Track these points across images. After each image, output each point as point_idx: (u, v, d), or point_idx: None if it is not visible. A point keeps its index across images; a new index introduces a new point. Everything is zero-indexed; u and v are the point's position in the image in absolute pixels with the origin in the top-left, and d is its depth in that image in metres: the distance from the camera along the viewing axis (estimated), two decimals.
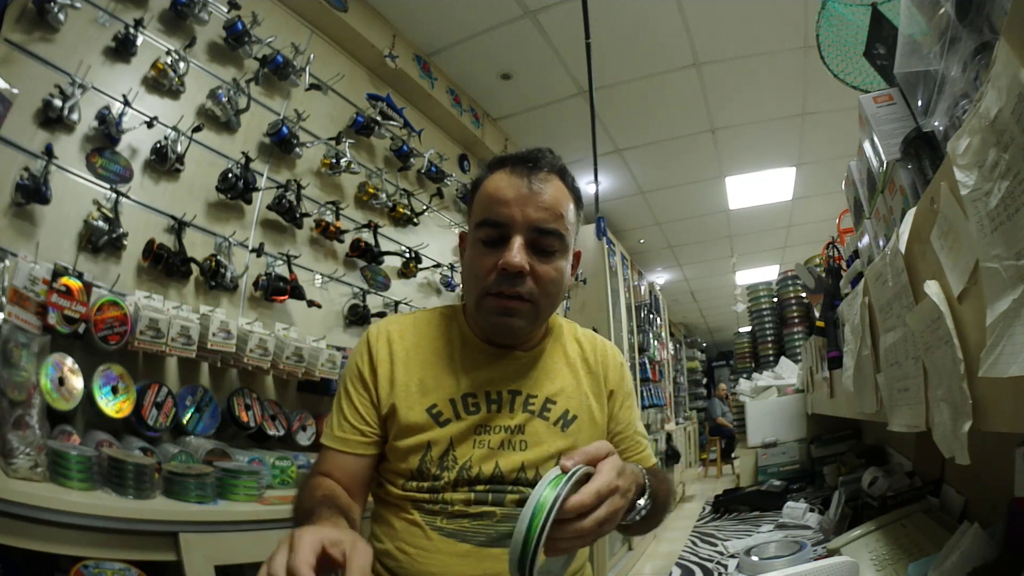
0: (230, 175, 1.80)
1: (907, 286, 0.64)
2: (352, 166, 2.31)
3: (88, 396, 1.35)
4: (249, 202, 1.90)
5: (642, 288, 5.92)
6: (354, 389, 0.90)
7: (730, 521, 2.15)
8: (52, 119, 1.41)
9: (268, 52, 1.99)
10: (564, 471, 0.63)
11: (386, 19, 2.63)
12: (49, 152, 1.38)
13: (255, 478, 1.50)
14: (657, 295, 6.75)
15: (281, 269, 1.97)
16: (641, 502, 0.75)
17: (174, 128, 1.67)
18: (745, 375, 5.71)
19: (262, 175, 1.99)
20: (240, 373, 1.80)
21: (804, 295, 6.11)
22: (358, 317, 2.28)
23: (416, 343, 0.93)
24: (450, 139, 3.23)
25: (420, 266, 2.68)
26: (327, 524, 0.65)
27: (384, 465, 0.91)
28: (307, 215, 2.08)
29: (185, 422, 1.57)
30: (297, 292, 1.96)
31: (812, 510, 1.70)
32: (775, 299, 7.05)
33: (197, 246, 1.73)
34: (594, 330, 1.08)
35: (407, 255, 2.62)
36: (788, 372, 3.10)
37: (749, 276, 7.44)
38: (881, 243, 0.93)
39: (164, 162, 1.64)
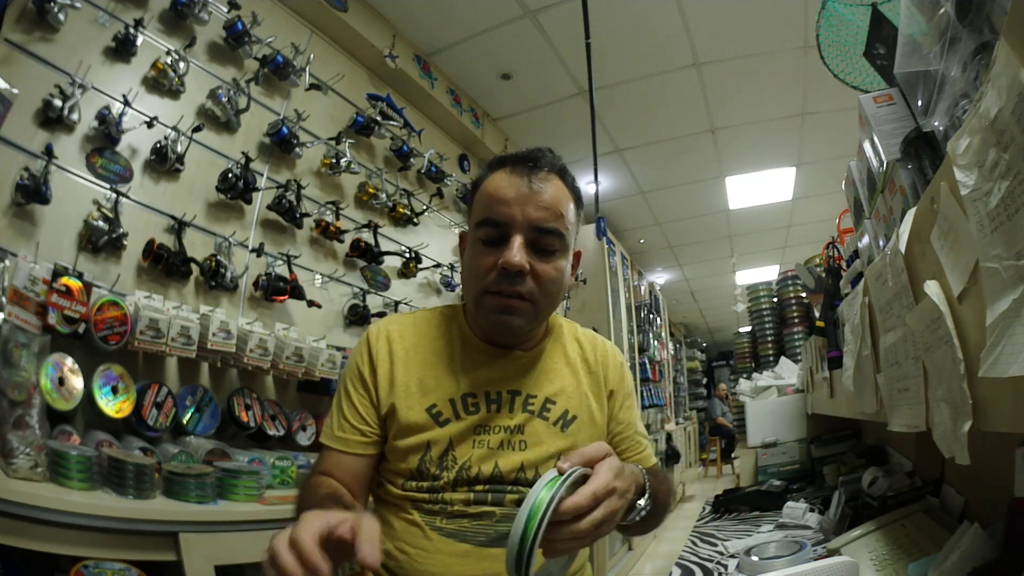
0: (230, 175, 1.80)
1: (907, 286, 0.64)
2: (352, 166, 2.31)
3: (88, 396, 1.35)
4: (249, 202, 1.90)
5: (642, 288, 5.92)
6: (354, 389, 0.90)
7: (730, 521, 2.15)
8: (52, 119, 1.41)
9: (268, 52, 1.99)
10: (561, 473, 0.63)
11: (386, 19, 2.63)
12: (49, 152, 1.38)
13: (255, 478, 1.50)
14: (657, 295, 6.75)
15: (281, 269, 1.97)
16: (641, 503, 0.75)
17: (174, 128, 1.67)
18: (745, 375, 5.71)
19: (262, 175, 1.99)
20: (240, 373, 1.80)
21: (804, 295, 6.11)
22: (358, 317, 2.28)
23: (416, 343, 0.93)
24: (450, 139, 3.23)
25: (420, 266, 2.68)
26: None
27: (384, 465, 0.91)
28: (307, 215, 2.08)
29: (185, 422, 1.57)
30: (297, 292, 1.96)
31: (812, 510, 1.70)
32: (775, 299, 7.05)
33: (197, 246, 1.73)
34: (594, 330, 1.08)
35: (407, 255, 2.62)
36: (788, 372, 3.10)
37: (749, 276, 7.44)
38: (881, 243, 0.93)
39: (164, 162, 1.64)
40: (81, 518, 1.11)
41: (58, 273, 1.31)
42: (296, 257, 2.01)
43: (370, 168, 2.52)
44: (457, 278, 2.94)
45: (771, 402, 2.78)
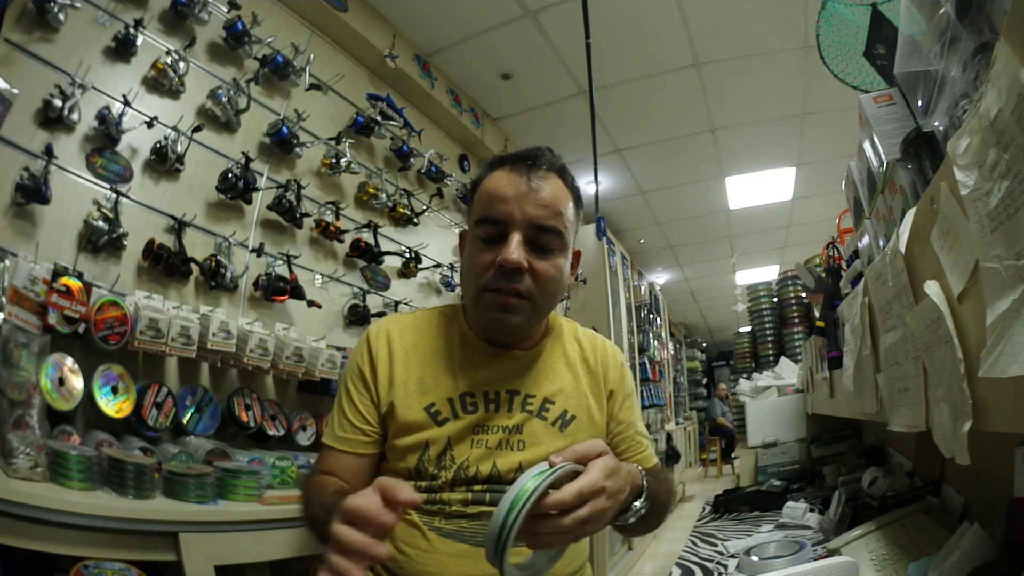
0: (230, 175, 1.80)
1: (907, 286, 0.64)
2: (352, 166, 2.31)
3: (88, 396, 1.35)
4: (249, 202, 1.90)
5: (642, 288, 5.92)
6: (355, 388, 0.90)
7: (730, 521, 2.15)
8: (52, 119, 1.41)
9: (268, 52, 1.99)
10: (552, 466, 0.63)
11: (386, 19, 2.63)
12: (49, 152, 1.38)
13: (255, 478, 1.50)
14: (657, 295, 6.75)
15: (281, 269, 1.97)
16: (637, 504, 0.75)
17: (174, 128, 1.67)
18: (745, 375, 5.71)
19: (262, 175, 1.99)
20: (240, 373, 1.80)
21: (804, 295, 6.11)
22: (358, 317, 2.28)
23: (416, 342, 0.93)
24: (450, 139, 3.23)
25: (420, 266, 2.68)
26: None
27: (383, 464, 0.91)
28: (307, 215, 2.08)
29: (185, 422, 1.57)
30: (297, 292, 1.96)
31: (812, 510, 1.70)
32: (775, 299, 7.05)
33: (197, 246, 1.73)
34: (594, 330, 1.08)
35: (407, 255, 2.62)
36: (788, 372, 3.10)
37: (749, 276, 7.43)
38: (881, 243, 0.93)
39: (164, 162, 1.64)
40: (81, 518, 1.11)
41: (58, 273, 1.31)
42: (296, 257, 2.01)
43: (370, 168, 2.52)
44: (457, 278, 2.94)
45: (771, 402, 2.78)
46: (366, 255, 2.33)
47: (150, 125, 1.61)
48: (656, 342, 6.08)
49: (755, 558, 1.21)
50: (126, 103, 1.54)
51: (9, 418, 1.12)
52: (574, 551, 0.90)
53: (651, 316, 6.03)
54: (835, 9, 1.15)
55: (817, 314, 1.70)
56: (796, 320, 6.44)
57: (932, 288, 0.54)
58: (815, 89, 3.32)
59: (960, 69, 0.63)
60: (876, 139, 0.87)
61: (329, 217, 2.20)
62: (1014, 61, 0.38)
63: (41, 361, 1.23)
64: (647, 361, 5.46)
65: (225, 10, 1.89)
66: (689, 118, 3.70)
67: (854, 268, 1.28)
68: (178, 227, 1.67)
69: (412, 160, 2.73)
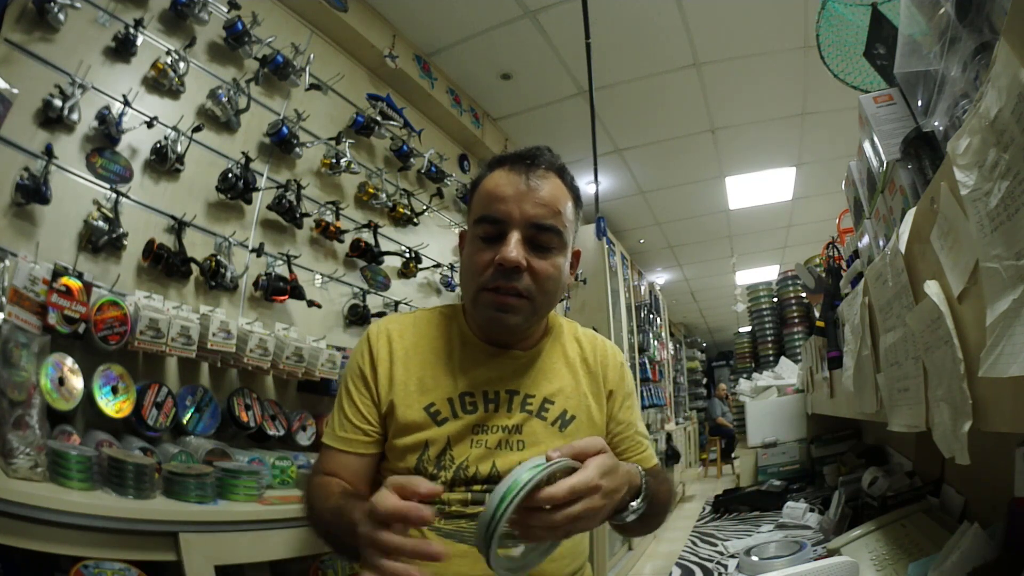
0: (230, 175, 1.80)
1: (907, 286, 0.64)
2: (352, 166, 2.31)
3: (88, 396, 1.35)
4: (249, 202, 1.90)
5: (642, 288, 5.92)
6: (355, 388, 0.90)
7: (730, 521, 2.15)
8: (52, 119, 1.41)
9: (268, 52, 1.99)
10: (548, 460, 0.63)
11: (386, 19, 2.63)
12: (49, 152, 1.37)
13: (255, 478, 1.50)
14: (657, 295, 6.75)
15: (281, 269, 1.97)
16: (634, 504, 0.75)
17: (174, 128, 1.67)
18: (745, 375, 5.71)
19: (262, 175, 1.99)
20: (240, 373, 1.80)
21: (804, 295, 6.11)
22: (358, 317, 2.28)
23: (416, 342, 0.93)
24: (450, 139, 3.23)
25: (420, 266, 2.68)
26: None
27: (383, 464, 0.91)
28: (307, 215, 2.07)
29: (185, 422, 1.57)
30: (297, 292, 1.96)
31: (812, 510, 1.70)
32: (775, 299, 7.06)
33: (197, 246, 1.73)
34: (594, 330, 1.08)
35: (407, 255, 2.62)
36: (788, 372, 3.10)
37: (749, 276, 7.43)
38: (881, 243, 0.93)
39: (164, 162, 1.64)
40: (81, 518, 1.11)
41: (58, 273, 1.31)
42: (296, 257, 2.01)
43: (370, 168, 2.52)
44: (457, 278, 2.94)
45: (771, 402, 2.78)
46: (366, 255, 2.33)
47: (150, 125, 1.61)
48: (656, 342, 6.08)
49: (755, 558, 1.21)
50: (126, 103, 1.54)
51: (9, 418, 1.12)
52: (574, 551, 0.90)
53: (651, 316, 6.03)
54: (835, 9, 1.15)
55: (817, 314, 1.70)
56: (796, 320, 6.45)
57: (932, 288, 0.54)
58: (815, 89, 3.32)
59: (960, 69, 0.63)
60: (876, 139, 0.87)
61: (329, 217, 2.20)
62: (1014, 61, 0.38)
63: (41, 361, 1.23)
64: (647, 361, 5.46)
65: (225, 10, 1.89)
66: (689, 118, 3.70)
67: (854, 268, 1.28)
68: (178, 227, 1.67)
69: (412, 160, 2.73)
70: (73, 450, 1.19)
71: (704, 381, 11.07)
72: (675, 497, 5.33)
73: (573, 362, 0.96)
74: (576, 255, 0.95)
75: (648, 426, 4.89)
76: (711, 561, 1.58)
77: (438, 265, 2.88)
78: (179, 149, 1.67)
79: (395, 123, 2.61)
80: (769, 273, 7.27)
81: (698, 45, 2.99)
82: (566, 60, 3.03)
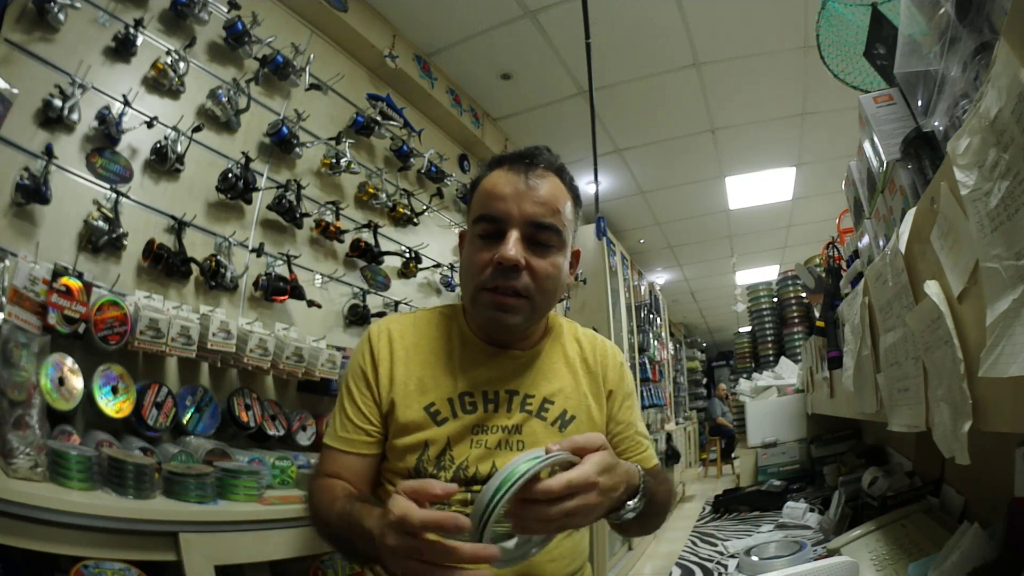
0: (230, 175, 1.80)
1: (907, 286, 0.64)
2: (352, 166, 2.31)
3: (88, 396, 1.35)
4: (249, 202, 1.90)
5: (642, 288, 5.92)
6: (356, 388, 0.90)
7: (730, 521, 2.15)
8: (52, 119, 1.41)
9: (268, 52, 1.99)
10: (547, 453, 0.63)
11: (386, 19, 2.63)
12: (49, 152, 1.37)
13: (255, 478, 1.50)
14: (657, 295, 6.75)
15: (281, 269, 1.97)
16: (631, 503, 0.75)
17: (174, 128, 1.67)
18: (745, 375, 5.71)
19: (262, 175, 1.99)
20: (240, 373, 1.80)
21: (804, 295, 6.11)
22: (358, 317, 2.28)
23: (416, 342, 0.93)
24: (450, 139, 3.23)
25: (420, 266, 2.68)
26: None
27: (383, 464, 0.91)
28: (307, 215, 2.07)
29: (185, 422, 1.57)
30: (297, 292, 1.96)
31: (812, 510, 1.70)
32: (775, 299, 7.05)
33: (197, 246, 1.73)
34: (594, 330, 1.08)
35: (407, 255, 2.62)
36: (788, 372, 3.10)
37: (749, 276, 7.43)
38: (881, 243, 0.93)
39: (164, 162, 1.64)
40: (81, 518, 1.11)
41: (58, 273, 1.31)
42: (296, 257, 2.01)
43: (370, 168, 2.52)
44: (457, 278, 2.93)
45: (771, 402, 2.78)
46: (366, 255, 2.33)
47: (150, 125, 1.61)
48: (656, 342, 6.08)
49: (755, 558, 1.21)
50: (126, 103, 1.54)
51: (9, 418, 1.12)
52: (574, 551, 0.90)
53: (651, 316, 6.03)
54: (835, 9, 1.15)
55: (817, 314, 1.70)
56: (796, 320, 6.44)
57: (932, 288, 0.54)
58: (815, 89, 3.32)
59: (960, 69, 0.63)
60: (876, 139, 0.87)
61: (329, 217, 2.20)
62: (1014, 61, 0.38)
63: (41, 361, 1.23)
64: (647, 361, 5.46)
65: (225, 10, 1.89)
66: (689, 118, 3.70)
67: (854, 268, 1.28)
68: (178, 227, 1.67)
69: (412, 160, 2.73)
70: (73, 450, 1.19)
71: (704, 381, 11.07)
72: (675, 498, 5.33)
73: (573, 362, 0.96)
74: (576, 255, 0.95)
75: (648, 426, 4.89)
76: (711, 561, 1.58)
77: (438, 265, 2.88)
78: (179, 149, 1.67)
79: (395, 123, 2.61)
80: (769, 273, 7.27)
81: (698, 45, 2.99)
82: (566, 60, 3.03)
